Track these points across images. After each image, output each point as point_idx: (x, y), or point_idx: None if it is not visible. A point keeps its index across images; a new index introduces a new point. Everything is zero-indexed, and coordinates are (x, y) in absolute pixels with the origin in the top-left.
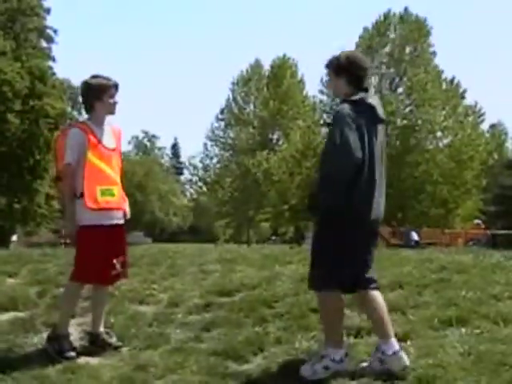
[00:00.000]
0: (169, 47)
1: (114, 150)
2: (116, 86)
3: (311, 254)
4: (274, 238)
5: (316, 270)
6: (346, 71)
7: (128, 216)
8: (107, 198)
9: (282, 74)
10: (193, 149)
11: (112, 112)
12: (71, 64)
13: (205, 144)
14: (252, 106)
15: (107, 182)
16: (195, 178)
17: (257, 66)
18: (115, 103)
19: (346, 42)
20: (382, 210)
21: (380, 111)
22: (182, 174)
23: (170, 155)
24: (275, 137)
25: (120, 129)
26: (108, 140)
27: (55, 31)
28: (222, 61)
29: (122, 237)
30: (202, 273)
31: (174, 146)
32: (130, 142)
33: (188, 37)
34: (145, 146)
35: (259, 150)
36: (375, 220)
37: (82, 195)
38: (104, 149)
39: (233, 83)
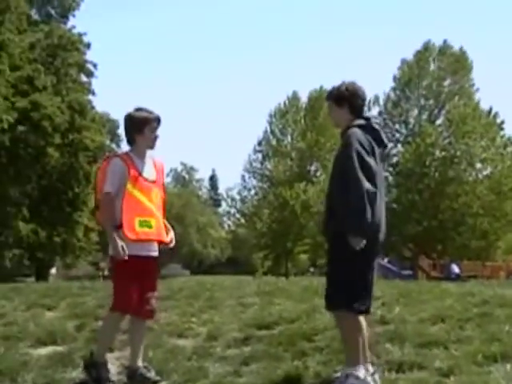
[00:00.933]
0: (208, 80)
1: (154, 182)
2: (158, 120)
3: (326, 274)
4: (312, 269)
5: (331, 290)
6: (347, 101)
7: (173, 243)
8: (145, 229)
9: (319, 105)
10: (231, 181)
11: (152, 146)
12: (111, 98)
13: (242, 176)
14: (289, 138)
15: (145, 213)
16: (233, 210)
17: (294, 98)
18: (156, 137)
19: (383, 74)
20: (384, 231)
21: (383, 135)
22: (219, 205)
23: (208, 187)
24: (313, 168)
25: (162, 162)
26: (149, 172)
27: (95, 65)
28: (259, 93)
29: (156, 270)
30: (241, 306)
31: (212, 178)
32: (168, 175)
33: (226, 70)
34: (183, 178)
35: (297, 181)
36: (381, 242)
37: (120, 226)
38: (144, 181)
39: (270, 115)
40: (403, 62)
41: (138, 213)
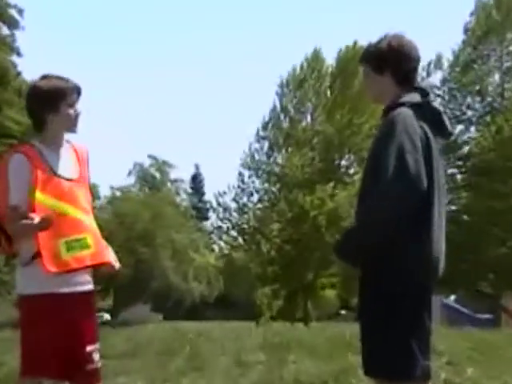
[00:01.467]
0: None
1: (77, 180)
2: (78, 90)
3: (360, 326)
4: (343, 312)
5: (368, 347)
6: (391, 64)
7: (117, 266)
8: (77, 252)
9: (352, 70)
10: (222, 182)
11: (72, 128)
12: (47, 59)
13: (240, 174)
14: (309, 118)
15: (74, 229)
16: (226, 225)
17: (316, 59)
18: (77, 115)
19: (449, 23)
20: (443, 261)
21: (446, 120)
22: (206, 218)
23: (190, 191)
24: (344, 162)
25: (85, 148)
26: (67, 167)
27: (20, 11)
28: (262, 57)
29: (92, 310)
30: (239, 366)
31: (195, 178)
32: (130, 172)
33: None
34: (152, 179)
35: (321, 181)
36: (434, 275)
37: (36, 256)
38: (62, 181)
39: (281, 85)
40: (479, 3)
41: (62, 231)
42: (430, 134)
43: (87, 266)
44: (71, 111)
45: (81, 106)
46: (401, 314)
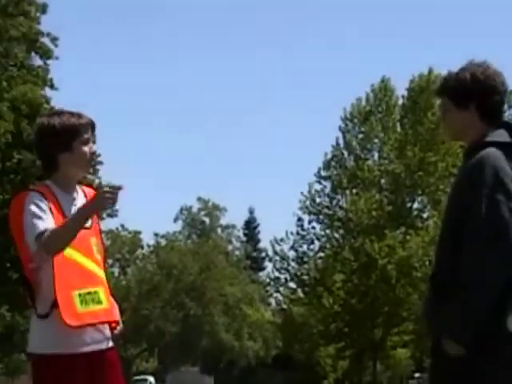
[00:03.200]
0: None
1: (90, 228)
2: (92, 126)
3: None
4: (418, 375)
5: None
6: (474, 98)
7: (120, 327)
8: (91, 306)
9: (426, 101)
10: (279, 227)
11: (86, 169)
12: (83, 94)
13: (299, 219)
14: (376, 156)
15: (88, 281)
16: (284, 276)
17: (384, 89)
18: (93, 154)
19: None
20: None
21: None
22: (262, 268)
23: (243, 238)
24: (416, 205)
25: (94, 192)
26: None
27: (54, 39)
28: (324, 86)
29: (117, 369)
30: None
31: (249, 224)
32: (177, 218)
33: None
34: (202, 224)
35: (390, 227)
36: None
37: (53, 307)
38: None
39: (344, 119)
40: None
41: (76, 282)
42: None
43: (100, 323)
44: (85, 149)
45: (96, 143)
46: None
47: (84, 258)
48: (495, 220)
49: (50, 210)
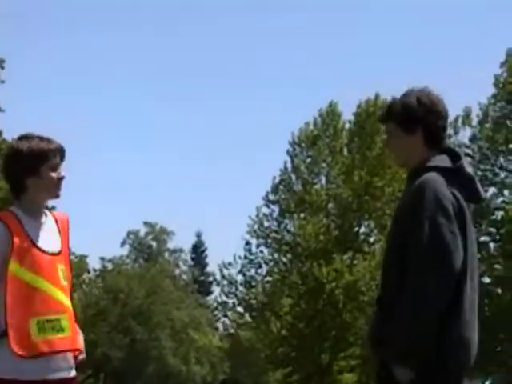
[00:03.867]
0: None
1: (58, 254)
2: (61, 151)
3: None
4: None
5: None
6: (420, 123)
7: (82, 355)
8: (50, 335)
9: (372, 126)
10: (227, 251)
11: (55, 194)
12: (30, 117)
13: (246, 243)
14: (323, 180)
15: (50, 308)
16: (232, 300)
17: (331, 113)
18: (61, 179)
19: (477, 72)
20: (476, 344)
21: (478, 184)
22: (209, 292)
23: (190, 262)
24: (363, 229)
25: (66, 217)
26: (48, 239)
27: (1, 62)
28: (271, 110)
29: None
30: None
31: (197, 248)
32: (124, 242)
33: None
34: (148, 248)
35: (337, 251)
36: (468, 363)
37: (3, 334)
38: (41, 254)
39: (292, 143)
40: (511, 53)
41: (36, 309)
42: (463, 201)
43: (57, 352)
44: (53, 174)
45: (64, 168)
46: None
47: (49, 284)
48: (438, 243)
49: (11, 240)
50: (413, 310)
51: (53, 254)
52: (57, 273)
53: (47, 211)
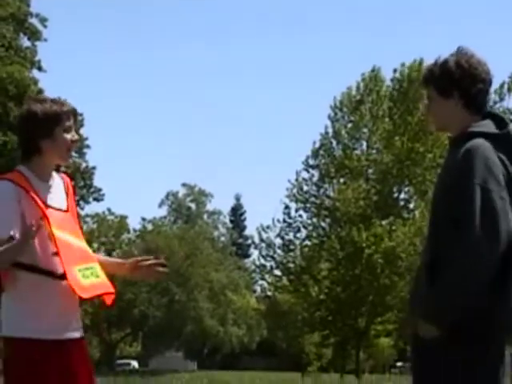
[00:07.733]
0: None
1: (66, 211)
2: (74, 114)
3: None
4: (400, 364)
5: None
6: (458, 87)
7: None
8: (92, 280)
9: (415, 91)
10: (266, 214)
11: (67, 157)
12: (72, 76)
13: (286, 207)
14: (365, 145)
15: (82, 258)
16: (270, 263)
17: (374, 78)
18: (75, 141)
19: None
20: None
21: None
22: (247, 256)
23: (229, 224)
24: (403, 195)
25: (68, 179)
26: (56, 197)
27: (43, 20)
28: (314, 75)
29: (86, 359)
30: None
31: (236, 211)
32: (162, 203)
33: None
34: (187, 210)
35: (377, 217)
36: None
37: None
38: (54, 211)
39: (334, 108)
40: None
41: (75, 260)
42: (510, 167)
43: (107, 294)
44: (67, 136)
45: (77, 131)
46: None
47: (72, 237)
48: (489, 208)
49: (24, 199)
50: (464, 271)
51: (63, 211)
52: (75, 227)
53: (55, 173)
